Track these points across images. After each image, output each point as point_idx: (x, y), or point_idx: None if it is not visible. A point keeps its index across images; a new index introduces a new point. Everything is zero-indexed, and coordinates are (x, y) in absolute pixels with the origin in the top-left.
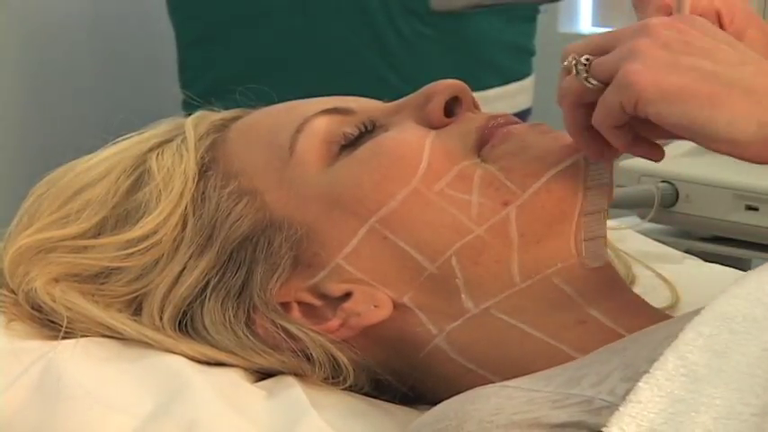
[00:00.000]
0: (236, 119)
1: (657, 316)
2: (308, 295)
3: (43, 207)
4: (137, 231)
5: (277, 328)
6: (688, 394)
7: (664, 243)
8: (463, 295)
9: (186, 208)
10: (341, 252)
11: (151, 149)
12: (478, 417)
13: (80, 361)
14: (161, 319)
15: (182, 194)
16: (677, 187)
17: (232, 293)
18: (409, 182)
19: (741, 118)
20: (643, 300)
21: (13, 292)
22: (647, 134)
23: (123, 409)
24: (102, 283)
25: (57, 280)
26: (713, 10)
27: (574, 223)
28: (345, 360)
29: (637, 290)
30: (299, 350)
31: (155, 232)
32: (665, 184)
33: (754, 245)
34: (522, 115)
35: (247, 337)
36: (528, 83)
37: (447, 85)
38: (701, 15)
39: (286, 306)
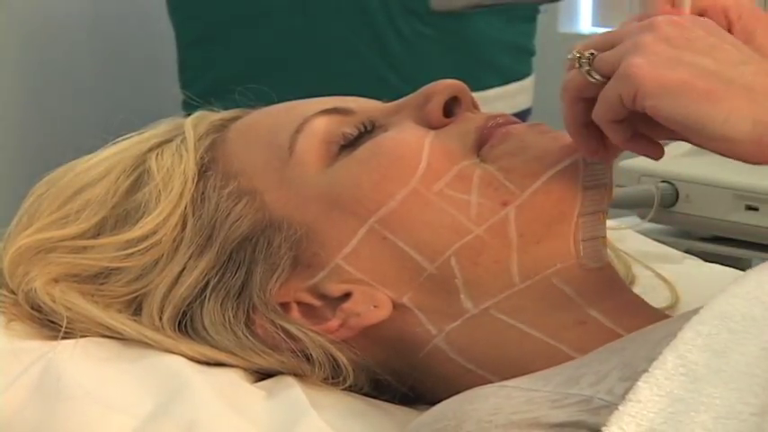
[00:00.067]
0: (235, 119)
1: (657, 316)
2: (308, 295)
3: (43, 207)
4: (136, 231)
5: (276, 328)
6: (687, 394)
7: (664, 243)
8: (462, 295)
9: (186, 208)
10: (340, 252)
11: (151, 149)
12: (477, 416)
13: (80, 361)
14: (161, 319)
15: (181, 195)
16: (677, 187)
17: (232, 294)
18: (408, 182)
19: (737, 116)
20: (643, 300)
21: (12, 292)
22: (646, 131)
23: (123, 409)
24: (102, 284)
25: (56, 280)
26: (719, 6)
27: (573, 224)
28: (345, 360)
29: (636, 290)
30: (298, 350)
31: (154, 232)
32: (664, 184)
33: (754, 245)
34: (522, 115)
35: (247, 337)
36: (528, 83)
37: (446, 86)
38: (705, 9)
39: (285, 306)
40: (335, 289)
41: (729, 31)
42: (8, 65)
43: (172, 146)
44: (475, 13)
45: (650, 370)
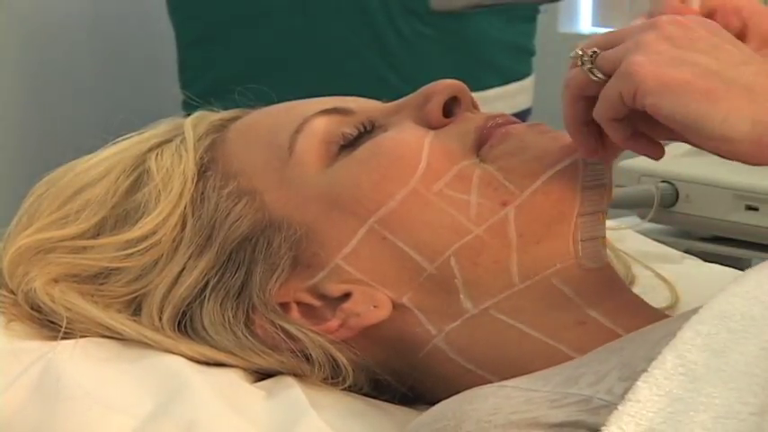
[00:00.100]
0: (235, 119)
1: (657, 316)
2: (308, 296)
3: (43, 207)
4: (136, 232)
5: (276, 328)
6: (687, 393)
7: (663, 243)
8: (462, 296)
9: (185, 208)
10: (340, 252)
11: (150, 150)
12: (476, 416)
13: (79, 361)
14: (160, 319)
15: (181, 195)
16: (677, 187)
17: (231, 294)
18: (408, 182)
19: (736, 115)
20: (642, 300)
21: (12, 292)
22: (646, 130)
23: (123, 409)
24: (102, 284)
25: (56, 280)
26: (730, 6)
27: (572, 224)
28: (345, 360)
29: (636, 290)
30: (298, 350)
31: (154, 233)
32: (664, 184)
33: (753, 245)
34: (522, 115)
35: (246, 337)
36: (528, 83)
37: (446, 86)
38: (715, 8)
39: (285, 306)
40: (335, 289)
41: (742, 31)
42: (8, 65)
43: (171, 146)
44: (475, 13)
45: (649, 370)
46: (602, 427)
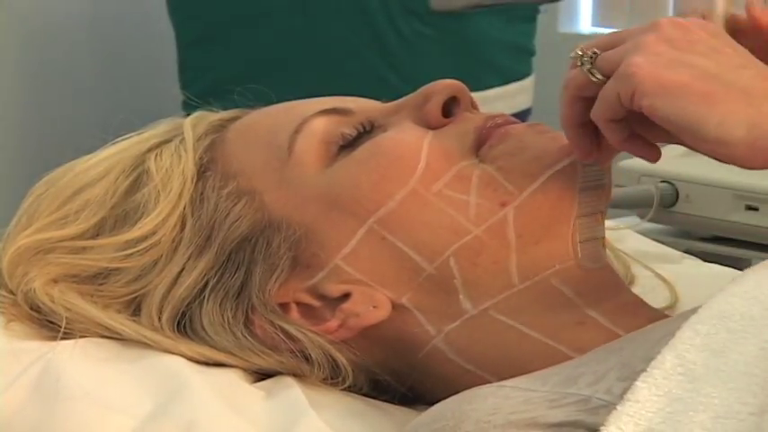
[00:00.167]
0: (234, 119)
1: (656, 316)
2: (307, 296)
3: (42, 207)
4: (135, 232)
5: (275, 328)
6: (686, 393)
7: (663, 243)
8: (461, 296)
9: (185, 209)
10: (339, 253)
11: (150, 150)
12: (476, 417)
13: (79, 361)
14: (160, 319)
15: (180, 195)
16: (677, 187)
17: (231, 294)
18: (407, 182)
19: (732, 119)
20: (642, 300)
21: (11, 292)
22: (642, 132)
23: (122, 409)
24: (101, 284)
25: (55, 280)
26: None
27: (571, 225)
28: (344, 360)
29: (636, 290)
30: (297, 351)
31: (153, 233)
32: (664, 184)
33: (753, 245)
34: (522, 115)
35: (246, 337)
36: (528, 83)
37: (445, 86)
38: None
39: (285, 307)
40: (334, 289)
41: None
42: (8, 65)
43: (171, 146)
44: (475, 13)
45: (648, 370)
46: (601, 427)
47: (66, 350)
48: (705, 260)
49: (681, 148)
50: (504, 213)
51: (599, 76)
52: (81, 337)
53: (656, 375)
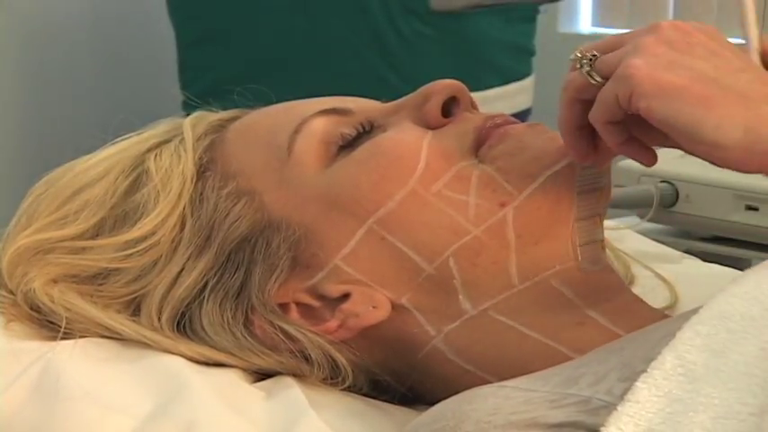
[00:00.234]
0: (234, 119)
1: (656, 316)
2: (307, 296)
3: (42, 207)
4: (135, 232)
5: (275, 329)
6: (686, 394)
7: (663, 243)
8: (461, 296)
9: (184, 209)
10: (339, 253)
11: (149, 150)
12: (476, 417)
13: (79, 361)
14: (159, 319)
15: (180, 195)
16: (677, 187)
17: (230, 294)
18: (407, 182)
19: (729, 122)
20: (642, 300)
21: (11, 292)
22: (639, 135)
23: (122, 409)
24: (101, 284)
25: (55, 281)
26: None
27: (570, 227)
28: (344, 361)
29: (636, 290)
30: (297, 351)
31: (153, 233)
32: (664, 184)
33: (753, 245)
34: (522, 115)
35: (245, 338)
36: (528, 83)
37: (444, 86)
38: None
39: (284, 307)
40: (334, 290)
41: None
42: (8, 65)
43: (170, 146)
44: (475, 13)
45: (649, 370)
46: (602, 428)
47: (65, 350)
48: (705, 260)
49: None
50: (504, 214)
51: (598, 79)
52: (81, 337)
53: (657, 376)
